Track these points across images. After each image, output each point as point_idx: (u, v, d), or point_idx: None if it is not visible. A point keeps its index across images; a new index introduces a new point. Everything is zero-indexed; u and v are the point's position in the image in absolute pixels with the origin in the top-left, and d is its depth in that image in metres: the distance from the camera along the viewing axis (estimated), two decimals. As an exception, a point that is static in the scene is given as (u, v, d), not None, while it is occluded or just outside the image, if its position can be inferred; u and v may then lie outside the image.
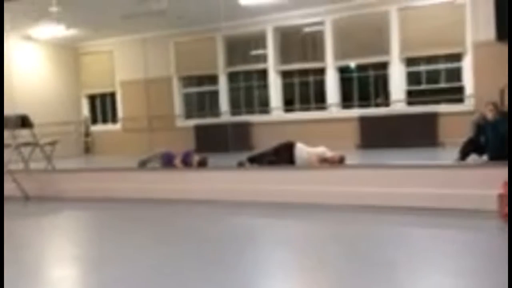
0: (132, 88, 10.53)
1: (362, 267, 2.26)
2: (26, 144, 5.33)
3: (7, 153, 5.06)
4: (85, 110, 11.34)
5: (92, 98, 11.42)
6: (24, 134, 5.40)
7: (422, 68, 8.56)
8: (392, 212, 3.44)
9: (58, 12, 7.91)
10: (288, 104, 9.60)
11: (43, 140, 5.55)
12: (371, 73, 8.96)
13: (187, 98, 10.56)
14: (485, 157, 4.89)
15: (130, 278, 2.27)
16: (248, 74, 9.92)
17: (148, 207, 4.17)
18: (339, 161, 4.70)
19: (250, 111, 9.85)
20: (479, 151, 4.95)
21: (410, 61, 8.56)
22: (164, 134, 9.88)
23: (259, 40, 9.57)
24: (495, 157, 4.63)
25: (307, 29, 9.21)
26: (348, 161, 4.87)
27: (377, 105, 8.90)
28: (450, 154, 5.18)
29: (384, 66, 8.72)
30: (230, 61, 9.88)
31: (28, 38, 9.63)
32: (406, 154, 6.80)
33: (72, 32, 9.35)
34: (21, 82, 9.12)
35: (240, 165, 4.79)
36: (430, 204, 3.45)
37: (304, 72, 9.40)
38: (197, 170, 4.72)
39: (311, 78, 9.38)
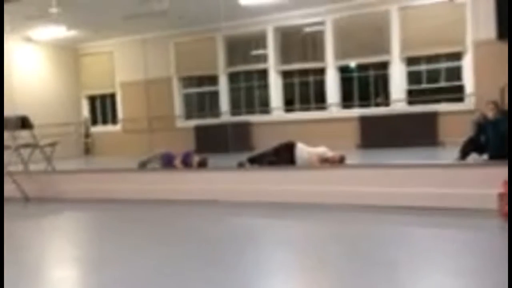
0: (132, 89, 10.54)
1: (363, 267, 2.25)
2: (26, 145, 5.33)
3: (6, 155, 5.06)
4: (85, 111, 11.34)
5: (92, 99, 11.42)
6: (23, 135, 5.40)
7: (423, 67, 8.55)
8: (393, 211, 3.44)
9: (58, 13, 7.91)
10: (289, 104, 9.59)
11: (43, 141, 5.55)
12: (371, 72, 8.95)
13: (187, 98, 10.56)
14: (485, 156, 4.88)
15: (130, 279, 2.26)
16: (248, 74, 9.92)
17: (148, 208, 4.17)
18: (340, 161, 4.70)
19: (251, 111, 9.85)
20: (480, 150, 4.95)
21: (410, 61, 8.55)
22: (164, 134, 9.88)
23: (260, 40, 9.57)
24: (495, 156, 4.63)
25: (307, 29, 9.21)
26: (349, 161, 4.86)
27: (377, 105, 8.90)
28: (451, 154, 5.17)
29: (384, 65, 8.71)
30: (230, 61, 9.88)
31: (28, 39, 9.63)
32: (406, 154, 6.80)
33: (72, 33, 9.36)
34: (21, 83, 9.13)
35: (240, 165, 4.79)
36: (431, 203, 3.44)
37: (305, 72, 9.39)
38: (197, 171, 4.72)
39: (311, 78, 9.38)
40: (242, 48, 9.85)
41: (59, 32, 9.07)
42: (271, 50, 9.42)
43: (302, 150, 4.85)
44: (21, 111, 5.81)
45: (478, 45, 7.74)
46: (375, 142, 8.03)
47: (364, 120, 8.53)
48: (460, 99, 8.17)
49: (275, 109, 9.51)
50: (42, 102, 9.66)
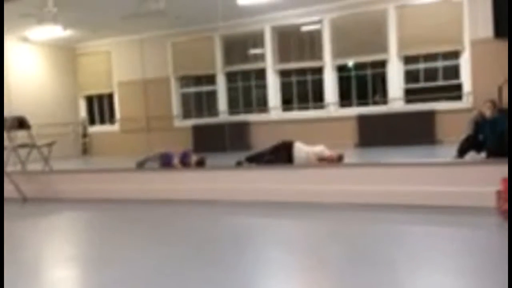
0: (129, 89, 10.52)
1: (361, 266, 2.25)
2: (23, 145, 5.32)
3: (4, 155, 5.04)
4: (83, 111, 11.32)
5: (89, 99, 11.40)
6: (20, 135, 5.39)
7: (420, 66, 8.56)
8: (391, 210, 3.44)
9: (54, 13, 7.89)
10: (286, 103, 9.59)
11: (40, 142, 5.54)
12: (369, 71, 8.96)
13: (185, 98, 10.55)
14: (483, 155, 4.89)
15: (129, 278, 2.26)
16: (246, 74, 9.91)
17: (146, 208, 4.16)
18: (338, 160, 4.70)
19: (248, 111, 9.85)
20: (477, 148, 4.96)
21: (408, 59, 8.56)
22: (162, 134, 9.87)
23: (257, 40, 9.56)
24: (493, 155, 4.64)
25: (304, 28, 9.21)
26: (347, 159, 4.86)
27: (375, 104, 8.90)
28: (449, 152, 5.18)
29: (382, 64, 8.72)
30: (228, 61, 9.87)
31: (25, 39, 9.60)
32: (404, 152, 6.81)
33: (69, 33, 9.33)
34: (18, 83, 9.11)
35: (239, 164, 4.79)
36: (429, 202, 3.44)
37: (302, 71, 9.39)
38: (195, 170, 4.71)
39: (309, 77, 9.38)
40: (240, 47, 9.85)
41: (56, 32, 9.03)
42: (268, 50, 9.42)
43: (300, 149, 4.85)
44: (18, 111, 5.80)
45: (476, 44, 7.76)
46: (373, 141, 8.05)
47: (362, 119, 8.54)
48: (458, 98, 8.18)
49: (273, 108, 9.51)
50: (39, 102, 9.63)
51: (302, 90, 9.47)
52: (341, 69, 9.13)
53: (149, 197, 4.46)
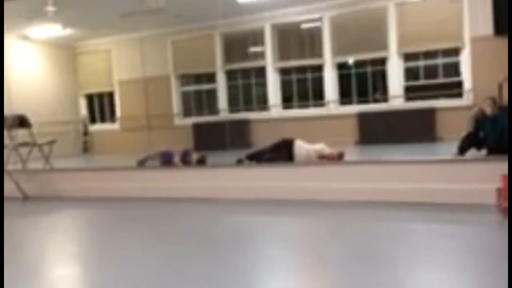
0: (130, 87, 10.52)
1: (362, 264, 2.26)
2: (24, 144, 5.32)
3: (4, 154, 5.05)
4: (83, 110, 11.32)
5: (90, 98, 11.40)
6: (21, 134, 5.39)
7: (420, 63, 8.55)
8: (391, 207, 3.44)
9: (54, 12, 7.89)
10: (287, 101, 9.59)
11: (41, 140, 5.54)
12: (369, 69, 8.95)
13: (185, 96, 10.55)
14: (483, 152, 4.89)
15: (130, 277, 2.26)
16: (246, 72, 9.90)
17: (147, 206, 4.17)
18: (338, 158, 4.70)
19: (249, 109, 9.85)
20: (478, 145, 4.96)
21: (408, 57, 8.56)
22: (162, 132, 9.88)
23: (257, 38, 9.55)
24: (493, 152, 4.64)
25: (304, 26, 9.20)
26: (347, 157, 4.86)
27: (375, 101, 8.90)
28: (449, 149, 5.18)
29: (382, 61, 8.72)
30: (228, 59, 9.87)
31: (25, 37, 9.60)
32: (404, 150, 6.81)
33: (69, 31, 9.33)
34: (18, 82, 9.11)
35: (239, 162, 4.79)
36: (429, 199, 3.45)
37: (302, 69, 9.39)
38: (196, 168, 4.72)
39: (309, 75, 9.37)
40: (240, 45, 9.84)
41: (56, 30, 9.04)
42: (268, 47, 9.41)
43: (301, 147, 4.85)
44: (18, 110, 5.80)
45: (476, 41, 7.75)
46: (373, 139, 8.05)
47: (362, 117, 8.54)
48: (458, 95, 8.18)
49: (273, 106, 9.50)
50: (40, 100, 9.64)
51: (302, 88, 9.47)
52: (341, 67, 9.12)
53: (150, 195, 4.47)
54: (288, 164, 4.48)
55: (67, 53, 10.78)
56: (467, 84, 8.04)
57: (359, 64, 9.00)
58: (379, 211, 3.38)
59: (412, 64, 8.58)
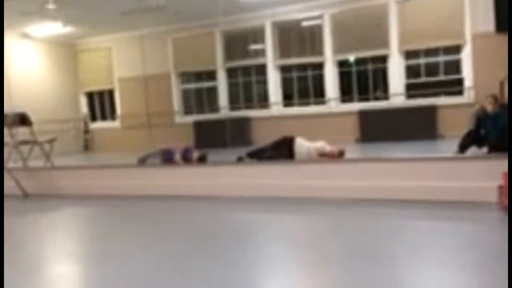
0: (130, 85, 10.52)
1: (362, 261, 2.25)
2: (25, 142, 5.32)
3: (5, 152, 5.05)
4: (84, 108, 11.32)
5: (90, 95, 11.40)
6: (21, 131, 5.39)
7: (421, 60, 8.54)
8: (392, 205, 3.44)
9: (54, 10, 7.88)
10: (287, 99, 9.58)
11: (41, 138, 5.54)
12: (370, 66, 8.94)
13: (185, 94, 10.54)
14: (484, 150, 4.88)
15: (130, 275, 2.26)
16: (246, 69, 9.89)
17: (148, 204, 4.17)
18: (339, 155, 4.70)
19: (249, 106, 9.84)
20: (479, 143, 4.95)
21: (409, 54, 8.54)
22: (163, 130, 9.87)
23: (258, 35, 9.54)
24: (494, 149, 4.63)
25: (305, 23, 9.18)
26: (348, 155, 4.86)
27: (376, 99, 8.89)
28: (450, 147, 5.17)
29: (383, 59, 8.70)
30: (228, 57, 9.86)
31: (25, 36, 9.60)
32: (405, 147, 6.80)
33: (69, 29, 9.32)
34: (19, 80, 9.11)
35: (240, 160, 4.79)
36: (430, 197, 3.44)
37: (303, 67, 9.37)
38: (197, 166, 4.71)
39: (310, 73, 9.36)
40: (240, 43, 9.82)
41: (56, 28, 9.02)
42: (269, 45, 9.39)
43: (301, 144, 4.85)
44: (18, 107, 5.80)
45: (477, 38, 7.73)
46: (374, 136, 8.04)
47: (363, 114, 8.52)
48: (460, 93, 8.17)
49: (274, 104, 9.49)
50: (40, 98, 9.64)
51: (303, 86, 9.45)
52: (342, 64, 9.11)
53: (150, 193, 4.47)
54: (288, 162, 4.48)
55: (67, 51, 10.78)
56: (468, 82, 8.02)
57: (360, 61, 8.98)
58: (379, 209, 3.38)
59: (413, 61, 8.56)
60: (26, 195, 4.91)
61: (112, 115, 11.12)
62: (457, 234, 2.65)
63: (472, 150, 4.92)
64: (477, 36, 7.72)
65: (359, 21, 8.59)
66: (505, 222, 2.78)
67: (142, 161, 5.22)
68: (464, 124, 5.23)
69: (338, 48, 8.88)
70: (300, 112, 9.17)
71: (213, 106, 10.14)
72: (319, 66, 9.15)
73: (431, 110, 8.05)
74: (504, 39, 6.78)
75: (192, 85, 10.54)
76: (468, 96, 7.94)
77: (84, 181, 4.89)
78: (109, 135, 10.80)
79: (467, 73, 8.04)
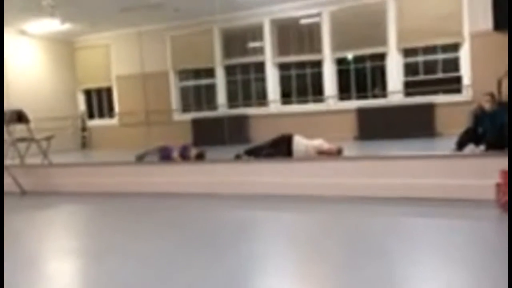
0: (128, 83, 10.49)
1: (360, 258, 2.25)
2: (22, 139, 5.31)
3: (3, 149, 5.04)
4: (82, 105, 11.29)
5: (88, 93, 11.37)
6: (19, 129, 5.37)
7: (420, 58, 8.54)
8: (390, 203, 3.44)
9: (52, 6, 7.85)
10: (286, 96, 9.57)
11: (39, 135, 5.53)
12: (368, 64, 8.93)
13: (184, 91, 10.52)
14: (482, 147, 4.89)
15: (127, 271, 2.26)
16: (245, 67, 9.88)
17: (146, 201, 4.16)
18: (337, 153, 4.70)
19: (247, 104, 9.83)
20: (476, 141, 4.96)
21: (407, 52, 8.54)
22: (161, 128, 9.86)
23: (256, 33, 9.52)
24: (492, 147, 4.64)
25: (304, 21, 9.17)
26: (346, 152, 4.86)
27: (374, 97, 8.89)
28: (448, 145, 5.18)
29: (381, 57, 8.70)
30: (227, 54, 9.84)
31: (23, 32, 9.56)
32: (403, 145, 6.81)
33: (67, 26, 9.28)
34: (16, 77, 9.08)
35: (238, 158, 4.79)
36: (428, 194, 3.45)
37: (301, 65, 9.37)
38: (195, 164, 4.71)
39: (308, 70, 9.35)
40: (239, 40, 9.81)
41: (54, 25, 8.99)
42: (267, 43, 9.38)
43: (299, 142, 4.85)
44: (16, 105, 5.78)
45: (475, 36, 7.73)
46: (372, 134, 8.04)
47: (361, 112, 8.53)
48: (458, 90, 8.17)
49: (272, 101, 9.49)
50: (38, 96, 9.61)
51: (301, 83, 9.45)
52: (340, 62, 9.10)
53: (148, 190, 4.46)
54: (286, 159, 4.48)
55: (65, 48, 10.74)
56: (466, 80, 8.03)
57: (358, 59, 8.98)
58: (377, 207, 3.38)
59: (411, 59, 8.56)
60: (23, 192, 4.90)
61: (110, 113, 11.09)
62: (455, 232, 2.66)
63: (470, 148, 4.93)
64: (475, 34, 7.72)
65: (358, 19, 8.58)
66: (503, 220, 2.79)
67: (140, 159, 5.22)
68: (462, 122, 5.23)
69: (337, 46, 8.87)
70: (299, 110, 9.17)
71: (211, 103, 10.12)
72: (318, 64, 9.14)
73: (429, 108, 8.05)
74: (502, 37, 6.79)
75: (191, 83, 10.53)
76: (466, 94, 7.94)
77: (82, 179, 4.88)
78: (107, 132, 10.77)
79: (465, 71, 8.05)
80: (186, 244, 2.70)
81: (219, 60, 9.85)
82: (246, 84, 9.94)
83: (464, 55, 8.03)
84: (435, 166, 3.55)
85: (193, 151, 5.04)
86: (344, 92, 9.08)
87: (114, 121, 10.91)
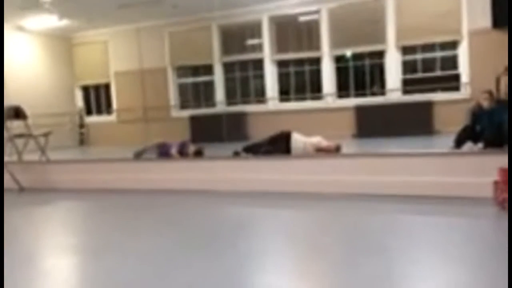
0: (126, 79, 10.47)
1: (359, 256, 2.26)
2: (20, 135, 5.29)
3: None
4: (79, 101, 11.27)
5: (86, 89, 11.34)
6: (16, 125, 5.36)
7: (418, 56, 8.54)
8: (388, 200, 3.44)
9: (50, 2, 7.82)
10: (284, 94, 9.56)
11: (36, 132, 5.51)
12: (367, 62, 8.93)
13: (182, 88, 10.51)
14: (480, 145, 4.90)
15: (125, 268, 2.26)
16: (243, 64, 9.87)
17: (144, 198, 4.16)
18: (335, 150, 4.70)
19: (246, 101, 9.82)
20: (474, 139, 4.97)
21: (406, 50, 8.54)
22: (159, 124, 9.85)
23: (255, 30, 9.51)
24: (490, 145, 4.65)
25: (302, 18, 9.16)
26: (344, 150, 4.86)
27: (373, 94, 8.89)
28: (446, 142, 5.18)
29: (380, 54, 8.70)
30: (225, 51, 9.83)
31: (21, 28, 9.52)
32: (402, 143, 6.81)
33: (65, 22, 9.25)
34: (14, 73, 9.05)
35: (236, 155, 4.79)
36: (426, 192, 3.45)
37: (300, 62, 9.36)
38: (193, 160, 4.70)
39: (306, 68, 9.35)
40: (237, 37, 9.79)
41: (52, 21, 8.96)
42: (266, 40, 9.37)
43: (298, 139, 4.85)
44: (13, 101, 5.76)
45: (474, 34, 7.74)
46: (371, 132, 8.05)
47: (360, 110, 8.53)
48: (456, 88, 8.18)
49: (271, 99, 9.48)
50: (35, 92, 9.58)
51: (300, 81, 9.44)
52: (339, 60, 9.10)
53: (146, 187, 4.45)
54: (285, 156, 4.48)
55: (63, 44, 10.71)
56: (465, 77, 8.04)
57: (357, 57, 8.98)
58: (376, 204, 3.38)
59: (410, 57, 8.57)
60: (21, 189, 4.89)
61: (108, 109, 11.07)
62: (453, 229, 2.66)
63: (468, 146, 4.93)
64: (474, 32, 7.73)
65: (356, 16, 8.57)
66: (501, 217, 2.79)
67: (138, 155, 5.20)
68: (461, 120, 5.24)
69: (335, 43, 8.87)
70: (297, 107, 9.17)
71: (210, 100, 10.12)
72: (316, 61, 9.14)
73: (428, 106, 8.06)
74: (501, 35, 6.80)
75: (189, 79, 10.51)
76: (464, 92, 7.95)
77: (80, 175, 4.87)
78: (104, 129, 10.76)
79: (464, 69, 8.06)
80: (185, 241, 2.70)
81: (217, 57, 9.84)
82: (245, 81, 9.93)
83: (463, 53, 8.04)
84: (433, 163, 3.55)
85: (192, 148, 5.04)
86: (342, 89, 9.08)
87: (112, 117, 10.89)
